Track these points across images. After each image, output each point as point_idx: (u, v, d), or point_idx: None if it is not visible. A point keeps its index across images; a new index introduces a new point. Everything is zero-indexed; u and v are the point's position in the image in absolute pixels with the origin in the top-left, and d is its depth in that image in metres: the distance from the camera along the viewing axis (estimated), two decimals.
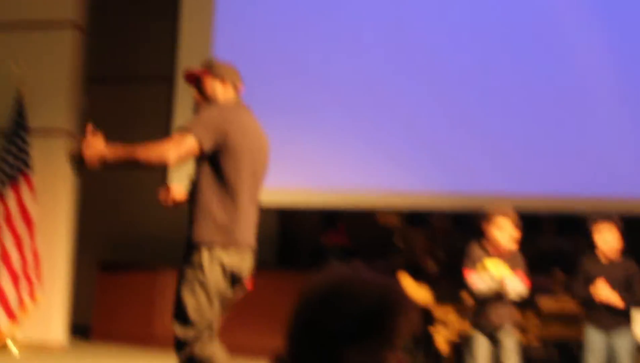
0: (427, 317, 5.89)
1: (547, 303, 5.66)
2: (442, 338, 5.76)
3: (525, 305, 5.25)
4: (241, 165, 3.40)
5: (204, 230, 3.36)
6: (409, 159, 6.76)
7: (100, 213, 8.35)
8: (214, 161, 3.38)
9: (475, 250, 4.93)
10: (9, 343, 6.78)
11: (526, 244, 5.06)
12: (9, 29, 7.48)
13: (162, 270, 7.40)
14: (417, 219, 7.02)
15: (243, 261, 3.45)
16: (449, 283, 6.04)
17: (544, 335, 5.67)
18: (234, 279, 3.42)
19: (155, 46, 8.46)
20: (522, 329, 5.52)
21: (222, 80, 3.59)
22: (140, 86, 8.77)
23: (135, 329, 7.43)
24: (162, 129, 7.43)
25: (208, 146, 3.31)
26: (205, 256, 3.35)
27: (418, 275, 6.24)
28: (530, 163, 6.50)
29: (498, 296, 4.75)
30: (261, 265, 7.49)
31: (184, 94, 7.29)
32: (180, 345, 3.36)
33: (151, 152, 3.24)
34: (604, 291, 4.81)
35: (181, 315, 3.37)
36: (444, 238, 6.78)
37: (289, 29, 7.21)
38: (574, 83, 6.50)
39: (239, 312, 7.09)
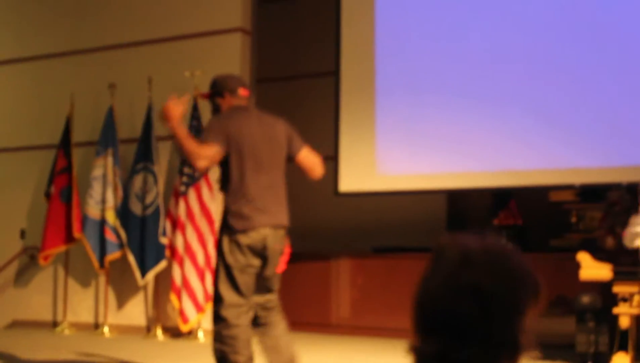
0: (608, 295, 5.71)
1: None
2: (625, 315, 5.56)
3: None
4: (244, 160, 4.00)
5: (224, 221, 4.03)
6: (581, 134, 6.57)
7: None
8: (223, 162, 4.04)
9: None
10: (198, 332, 7.23)
11: None
12: (183, 39, 7.92)
13: (336, 259, 7.60)
14: (592, 195, 6.79)
15: (266, 239, 4.01)
16: (629, 259, 5.81)
17: None
18: (261, 255, 4.02)
19: (319, 44, 8.68)
20: None
21: (220, 95, 4.23)
22: (306, 82, 9.03)
23: (311, 316, 7.69)
24: (330, 122, 7.62)
25: (225, 147, 3.98)
26: (225, 241, 4.00)
27: (597, 253, 6.06)
28: None
29: None
30: (431, 249, 7.58)
31: (348, 87, 7.45)
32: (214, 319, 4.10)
33: (192, 149, 3.90)
34: None
35: (214, 293, 4.06)
36: (622, 212, 6.51)
37: (444, 12, 7.19)
38: None
39: (411, 295, 7.19)
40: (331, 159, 7.55)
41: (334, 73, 7.63)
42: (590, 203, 6.92)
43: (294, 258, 8.19)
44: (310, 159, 4.22)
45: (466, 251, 1.40)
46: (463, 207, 8.07)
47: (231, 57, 7.70)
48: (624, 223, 6.43)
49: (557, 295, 6.61)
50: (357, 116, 7.39)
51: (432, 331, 1.39)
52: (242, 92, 4.24)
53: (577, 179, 6.63)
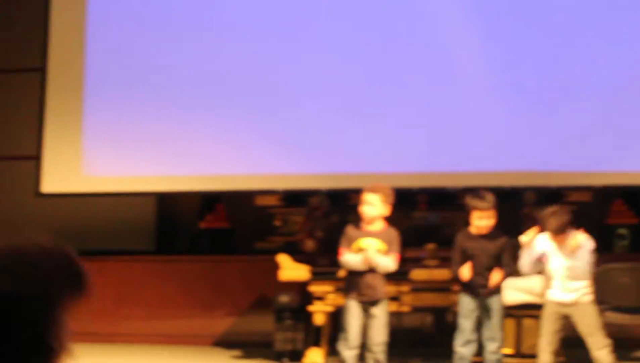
0: (305, 294, 6.00)
1: (419, 274, 5.86)
2: (319, 313, 5.88)
3: (399, 276, 5.53)
4: None
5: None
6: (286, 141, 6.83)
7: None
8: None
9: (350, 230, 5.16)
10: None
11: (402, 219, 5.27)
12: None
13: None
14: (295, 200, 7.10)
15: None
16: (326, 260, 6.16)
17: (417, 303, 5.89)
18: None
19: (26, 37, 8.25)
20: (396, 298, 5.75)
21: None
22: (12, 77, 8.54)
23: None
24: (35, 119, 7.28)
25: None
26: None
27: (297, 254, 6.35)
28: (404, 142, 6.69)
29: (370, 270, 5.04)
30: (139, 252, 7.51)
31: (55, 84, 7.16)
32: None
33: None
34: (465, 273, 5.20)
35: None
36: (322, 217, 6.88)
37: (166, 17, 7.15)
38: (444, 64, 6.69)
39: (117, 299, 7.06)
40: (34, 159, 7.20)
41: (41, 68, 7.28)
42: (293, 208, 7.22)
43: None
44: None
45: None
46: (172, 210, 8.06)
47: None
48: (324, 227, 6.82)
49: (258, 295, 6.84)
50: (64, 114, 7.11)
51: None
52: None
53: (281, 185, 6.89)
